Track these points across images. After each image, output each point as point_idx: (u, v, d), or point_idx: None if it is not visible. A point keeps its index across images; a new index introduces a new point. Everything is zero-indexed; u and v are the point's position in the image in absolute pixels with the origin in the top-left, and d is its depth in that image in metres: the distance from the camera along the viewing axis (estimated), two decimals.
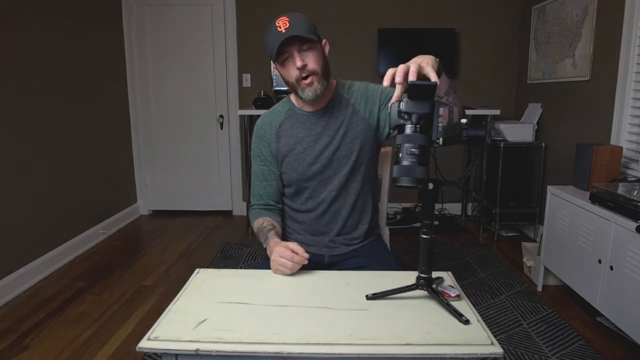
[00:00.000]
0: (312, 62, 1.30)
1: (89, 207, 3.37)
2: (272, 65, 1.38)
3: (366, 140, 1.41)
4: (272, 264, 1.20)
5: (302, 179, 1.43)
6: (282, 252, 1.17)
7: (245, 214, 4.04)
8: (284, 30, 1.25)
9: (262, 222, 1.42)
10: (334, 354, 0.83)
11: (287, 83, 1.37)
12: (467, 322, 0.92)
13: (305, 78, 1.30)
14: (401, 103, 0.95)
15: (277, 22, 1.28)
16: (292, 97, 1.46)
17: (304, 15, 1.32)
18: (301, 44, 1.28)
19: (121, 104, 3.91)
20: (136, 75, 4.04)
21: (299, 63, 1.28)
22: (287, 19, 1.27)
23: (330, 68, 1.39)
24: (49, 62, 2.88)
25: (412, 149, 0.92)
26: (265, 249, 1.33)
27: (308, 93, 1.33)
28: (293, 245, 1.19)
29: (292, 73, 1.31)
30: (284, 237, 1.55)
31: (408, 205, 4.13)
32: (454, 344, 0.85)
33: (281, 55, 1.29)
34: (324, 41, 1.37)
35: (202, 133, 4.13)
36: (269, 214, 1.47)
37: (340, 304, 1.01)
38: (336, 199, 1.44)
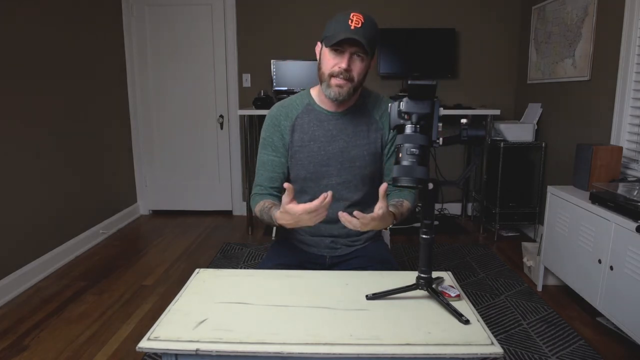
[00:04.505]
0: (356, 70, 1.30)
1: (89, 207, 3.37)
2: (319, 45, 1.36)
3: (378, 157, 1.43)
4: (305, 222, 1.14)
5: (310, 178, 1.42)
6: (306, 208, 1.11)
7: (245, 214, 4.04)
8: (353, 27, 1.24)
9: (264, 204, 1.38)
10: (334, 354, 0.83)
11: (319, 69, 1.35)
12: (467, 322, 0.92)
13: (340, 78, 1.30)
14: (401, 103, 0.95)
15: (352, 15, 1.26)
16: (313, 92, 1.45)
17: (376, 25, 1.31)
18: (358, 49, 1.27)
19: (121, 103, 3.91)
20: (136, 75, 4.04)
21: (344, 65, 1.28)
22: (362, 19, 1.26)
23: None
24: (49, 62, 2.88)
25: (412, 149, 0.92)
26: (277, 226, 1.28)
27: (332, 92, 1.32)
28: (301, 207, 1.12)
29: (332, 66, 1.30)
30: (286, 235, 1.55)
31: None
32: (454, 344, 0.85)
33: (335, 44, 1.26)
34: (375, 56, 1.37)
35: (202, 133, 4.13)
36: (270, 197, 1.43)
37: (340, 304, 1.01)
38: (343, 206, 1.43)
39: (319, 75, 1.36)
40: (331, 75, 1.30)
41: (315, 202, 1.10)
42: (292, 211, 1.13)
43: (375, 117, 1.43)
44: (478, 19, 3.87)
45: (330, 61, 1.30)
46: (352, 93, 1.34)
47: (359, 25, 1.24)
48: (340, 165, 1.40)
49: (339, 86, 1.31)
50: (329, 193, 1.11)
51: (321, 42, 1.34)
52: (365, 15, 1.27)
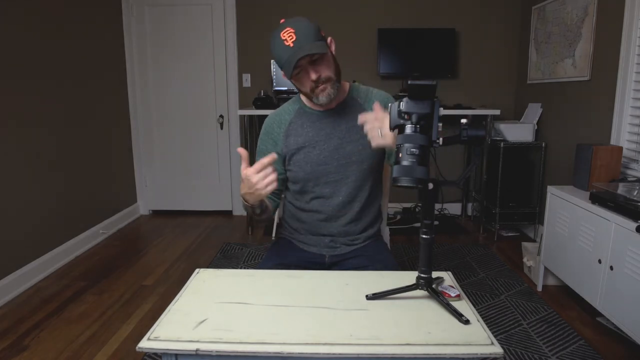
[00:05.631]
0: (325, 70, 1.30)
1: (89, 207, 3.37)
2: (276, 67, 1.36)
3: (376, 150, 1.42)
4: (248, 195, 1.24)
5: (309, 178, 1.43)
6: (249, 182, 1.19)
7: (245, 213, 4.04)
8: (291, 45, 1.22)
9: None
10: (334, 354, 0.83)
11: (300, 91, 1.37)
12: (467, 322, 0.92)
13: (319, 85, 1.31)
14: (401, 103, 0.95)
15: (281, 35, 1.24)
16: (302, 96, 1.46)
17: (306, 21, 1.28)
18: (312, 55, 1.26)
19: (121, 104, 3.91)
20: (136, 76, 4.04)
21: (313, 76, 1.28)
22: (292, 30, 1.23)
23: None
24: (49, 63, 2.88)
25: (412, 149, 0.92)
26: (249, 207, 1.33)
27: (322, 98, 1.33)
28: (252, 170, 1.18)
29: (307, 84, 1.31)
30: (283, 235, 1.56)
31: (408, 205, 4.13)
32: (454, 344, 0.85)
33: (293, 71, 1.26)
34: (329, 39, 1.34)
35: (202, 133, 4.13)
36: None
37: (340, 304, 1.01)
38: (342, 202, 1.44)
39: (305, 96, 1.38)
40: (312, 90, 1.32)
41: (264, 160, 1.15)
42: (243, 174, 1.19)
43: (367, 110, 1.42)
44: (478, 19, 3.87)
45: (301, 82, 1.32)
46: (338, 86, 1.35)
47: (294, 38, 1.22)
48: (337, 163, 1.41)
49: (323, 90, 1.32)
50: (273, 154, 1.17)
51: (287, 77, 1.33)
52: (291, 24, 1.24)
